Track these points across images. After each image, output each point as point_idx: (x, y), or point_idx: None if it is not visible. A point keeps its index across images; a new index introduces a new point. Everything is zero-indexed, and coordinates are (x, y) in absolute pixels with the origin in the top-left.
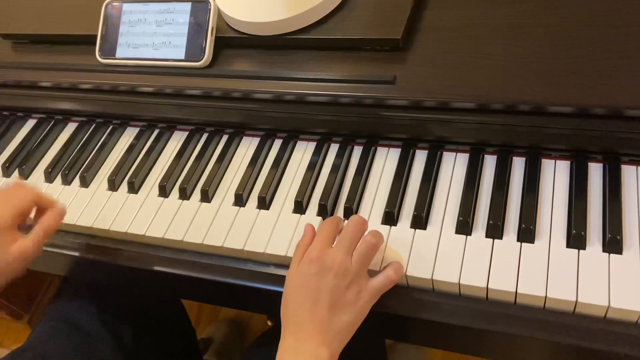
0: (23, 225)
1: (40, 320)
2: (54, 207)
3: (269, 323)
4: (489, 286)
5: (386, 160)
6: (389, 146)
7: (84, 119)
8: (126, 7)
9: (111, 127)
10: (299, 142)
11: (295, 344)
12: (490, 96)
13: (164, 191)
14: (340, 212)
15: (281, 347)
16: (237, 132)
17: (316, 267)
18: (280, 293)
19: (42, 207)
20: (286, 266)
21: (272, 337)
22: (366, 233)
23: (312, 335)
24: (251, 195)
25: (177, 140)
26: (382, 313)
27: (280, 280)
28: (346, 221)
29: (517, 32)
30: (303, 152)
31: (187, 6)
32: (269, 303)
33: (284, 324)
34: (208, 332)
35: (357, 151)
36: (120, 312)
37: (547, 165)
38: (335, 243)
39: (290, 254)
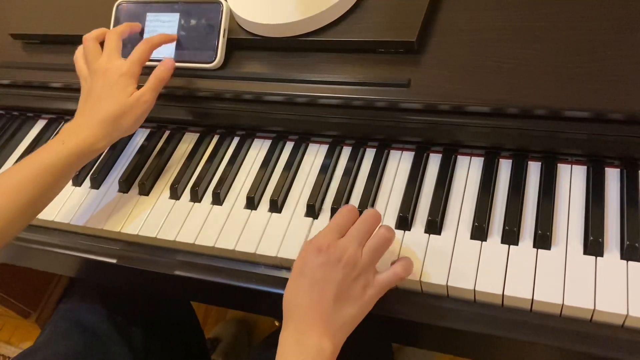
0: None
1: (50, 321)
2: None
3: (277, 323)
4: (505, 293)
5: (399, 164)
6: (403, 149)
7: None
8: (138, 8)
9: None
10: (310, 144)
11: (297, 335)
12: (505, 100)
13: (175, 193)
14: None
15: (282, 338)
16: (249, 134)
17: (324, 257)
18: None
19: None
20: None
21: None
22: (379, 227)
23: (315, 327)
24: (263, 199)
25: (188, 142)
26: (395, 318)
27: None
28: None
29: (533, 35)
30: (315, 154)
31: (200, 7)
32: (282, 307)
33: (285, 313)
34: (215, 332)
35: (370, 154)
36: (129, 313)
37: (563, 170)
38: (347, 234)
39: None
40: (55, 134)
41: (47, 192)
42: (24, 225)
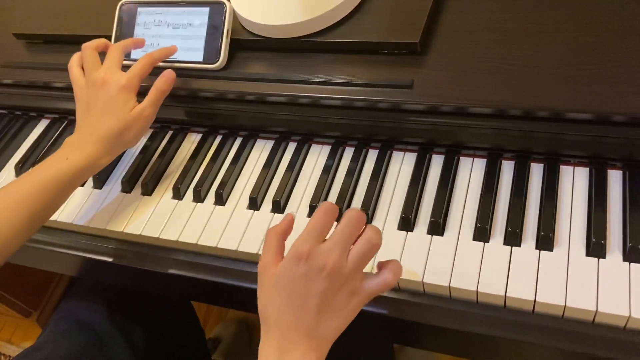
0: None
1: (51, 320)
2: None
3: None
4: (507, 294)
5: (402, 165)
6: (405, 150)
7: None
8: (141, 8)
9: None
10: (313, 145)
11: (279, 352)
12: (508, 102)
13: (178, 193)
14: None
15: (263, 354)
16: (251, 135)
17: (305, 267)
18: None
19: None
20: None
21: None
22: (366, 230)
23: (298, 342)
24: (265, 199)
25: (191, 142)
26: (397, 319)
27: None
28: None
29: (536, 37)
30: (317, 155)
31: (204, 8)
32: None
33: (263, 325)
34: (216, 332)
35: (373, 155)
36: (131, 313)
37: (565, 171)
38: (329, 238)
39: None
40: (58, 135)
41: (49, 206)
42: (26, 238)
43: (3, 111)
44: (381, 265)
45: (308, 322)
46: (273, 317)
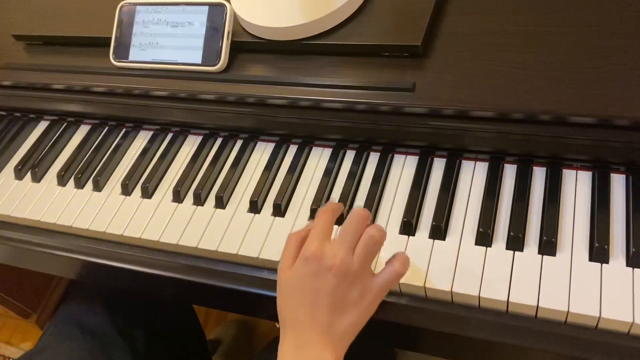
0: None
1: (52, 322)
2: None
3: (277, 325)
4: (510, 300)
5: (403, 168)
6: (407, 154)
7: (96, 121)
8: (141, 9)
9: (124, 130)
10: (314, 148)
11: (296, 351)
12: (510, 105)
13: (178, 196)
14: None
15: (281, 352)
16: (252, 137)
17: (313, 267)
18: None
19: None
20: None
21: None
22: (368, 227)
23: (314, 340)
24: (266, 202)
25: (191, 144)
26: (398, 324)
27: None
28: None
29: (539, 40)
30: (319, 158)
31: (204, 9)
32: None
33: (282, 326)
34: (216, 333)
35: (374, 158)
36: (131, 315)
37: (568, 175)
38: (336, 237)
39: None
40: (57, 137)
41: None
42: None
43: (2, 113)
44: (388, 261)
45: (321, 321)
46: (288, 317)
